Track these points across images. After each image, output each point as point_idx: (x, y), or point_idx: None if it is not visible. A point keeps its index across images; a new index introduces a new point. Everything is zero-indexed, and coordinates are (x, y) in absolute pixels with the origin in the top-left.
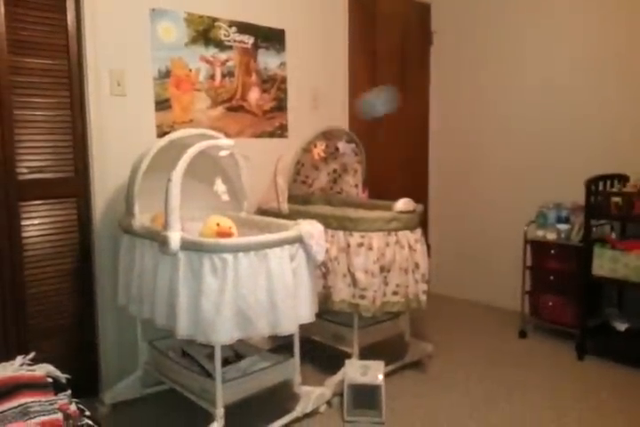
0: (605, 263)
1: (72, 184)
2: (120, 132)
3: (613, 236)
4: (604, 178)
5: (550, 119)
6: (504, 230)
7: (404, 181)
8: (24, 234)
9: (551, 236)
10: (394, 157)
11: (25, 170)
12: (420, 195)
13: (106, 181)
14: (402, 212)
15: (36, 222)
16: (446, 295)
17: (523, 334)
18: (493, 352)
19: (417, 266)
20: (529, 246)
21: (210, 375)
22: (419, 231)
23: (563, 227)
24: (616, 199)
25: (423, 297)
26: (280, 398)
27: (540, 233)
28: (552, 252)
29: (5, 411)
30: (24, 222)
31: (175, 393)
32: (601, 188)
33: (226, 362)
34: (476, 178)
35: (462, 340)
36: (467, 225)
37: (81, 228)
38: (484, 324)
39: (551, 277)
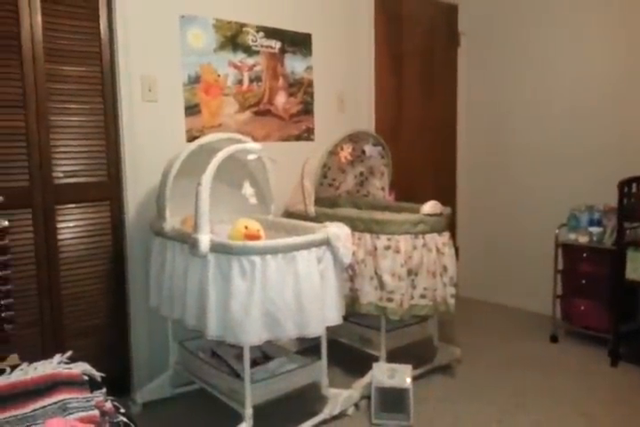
0: None
1: (105, 188)
2: (151, 136)
3: None
4: (637, 179)
5: (581, 120)
6: (534, 233)
7: (431, 183)
8: (59, 236)
9: (583, 239)
10: (421, 160)
11: (60, 174)
12: (448, 197)
13: (138, 184)
14: (429, 214)
15: (71, 225)
16: (476, 299)
17: (554, 339)
18: (523, 357)
19: (445, 269)
20: (560, 250)
21: (239, 376)
22: (447, 234)
23: (595, 230)
24: None
25: (451, 301)
26: (308, 400)
27: (571, 236)
28: (584, 255)
29: (46, 406)
30: (59, 225)
31: (205, 393)
32: (634, 189)
33: (254, 363)
34: (506, 180)
35: (492, 344)
36: (496, 228)
37: (114, 230)
38: (514, 328)
39: (583, 281)
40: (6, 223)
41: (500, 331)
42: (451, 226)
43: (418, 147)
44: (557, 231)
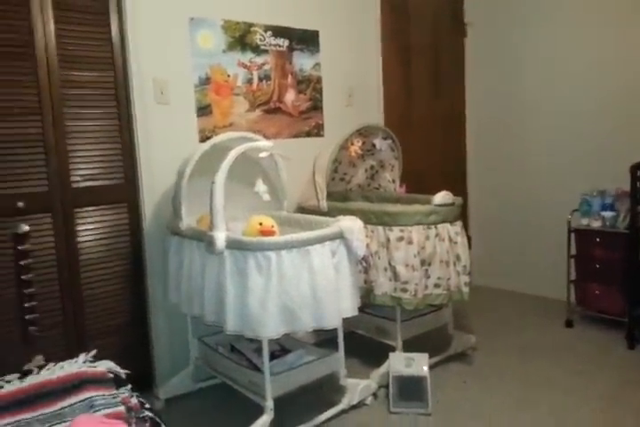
0: None
1: (122, 190)
2: (165, 138)
3: None
4: None
5: (592, 104)
6: (547, 219)
7: (442, 174)
8: (79, 239)
9: (596, 224)
10: (431, 152)
11: (78, 178)
12: (458, 188)
13: (153, 186)
14: (441, 205)
15: (90, 227)
16: (489, 287)
17: (569, 324)
18: (539, 343)
19: (458, 258)
20: (573, 235)
21: (258, 369)
22: (459, 224)
23: (608, 214)
24: None
25: (465, 289)
26: (327, 390)
27: (584, 221)
28: (597, 240)
29: (73, 404)
30: (79, 228)
31: (226, 387)
32: None
33: (273, 356)
34: (517, 168)
35: (507, 331)
36: (508, 216)
37: (132, 231)
38: (529, 314)
39: (597, 266)
40: (27, 228)
41: (515, 317)
42: (462, 215)
43: (427, 139)
44: (570, 217)
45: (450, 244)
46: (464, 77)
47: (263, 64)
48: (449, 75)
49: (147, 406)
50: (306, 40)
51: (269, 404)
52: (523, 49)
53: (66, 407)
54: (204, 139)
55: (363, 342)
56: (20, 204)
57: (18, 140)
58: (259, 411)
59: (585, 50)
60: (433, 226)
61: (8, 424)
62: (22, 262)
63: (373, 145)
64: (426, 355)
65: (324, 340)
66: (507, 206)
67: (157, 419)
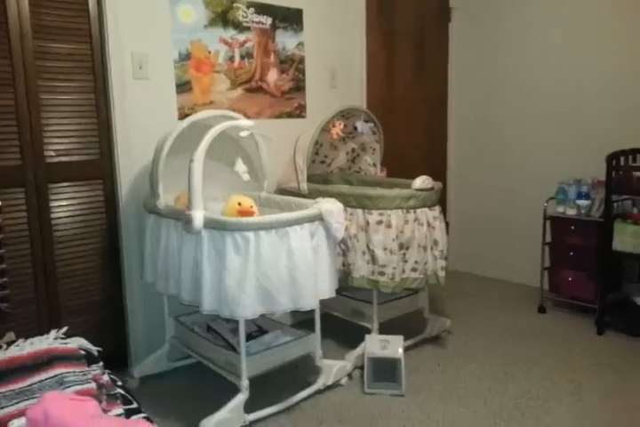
0: (626, 239)
1: (98, 166)
2: (143, 115)
3: (635, 211)
4: (625, 153)
5: (570, 94)
6: (523, 207)
7: (422, 159)
8: (53, 215)
9: (571, 211)
10: (412, 136)
11: (52, 153)
12: (438, 172)
13: (130, 162)
14: (420, 189)
15: (65, 204)
16: (465, 272)
17: (542, 310)
18: (512, 327)
19: (436, 243)
20: (548, 222)
21: (234, 349)
22: (437, 209)
23: (583, 203)
24: (638, 174)
25: (442, 273)
26: (302, 371)
27: (559, 209)
28: (572, 228)
29: (43, 380)
30: (53, 204)
31: (201, 366)
32: (622, 163)
33: (249, 337)
34: (495, 154)
35: (481, 315)
36: (486, 202)
37: (107, 208)
38: (504, 300)
39: (571, 253)
40: None
41: (489, 303)
42: (441, 201)
43: (409, 123)
44: (546, 204)
45: (428, 228)
46: (447, 62)
47: (245, 41)
48: (433, 59)
49: (119, 383)
50: (289, 18)
51: (245, 383)
52: (506, 35)
53: (35, 384)
54: (183, 116)
55: (339, 324)
56: None
57: None
58: (234, 390)
59: (569, 39)
60: (412, 210)
61: None
62: None
63: (355, 128)
64: (401, 337)
65: (301, 321)
66: (485, 192)
67: (129, 396)
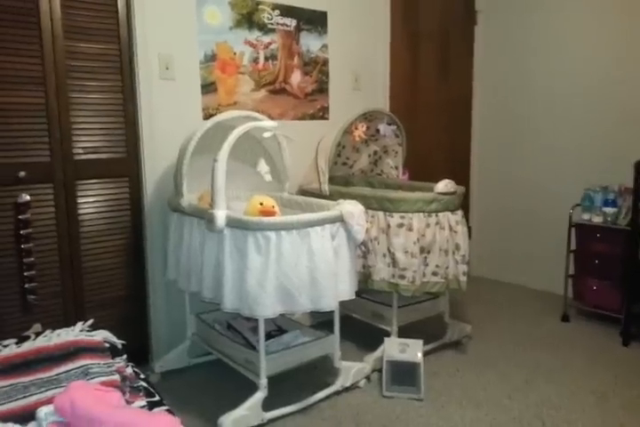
0: None
1: (124, 164)
2: (168, 114)
3: None
4: None
5: (598, 100)
6: (548, 213)
7: (445, 163)
8: (80, 211)
9: (597, 219)
10: (435, 139)
11: (81, 150)
12: (461, 177)
13: (155, 161)
14: (443, 193)
15: (91, 200)
16: (487, 278)
17: (565, 318)
18: (534, 335)
19: (457, 247)
20: (574, 230)
21: (253, 348)
22: (460, 213)
23: (609, 210)
24: None
25: (463, 278)
26: (321, 372)
27: (585, 216)
28: (598, 235)
29: (69, 371)
30: (80, 200)
31: (221, 364)
32: None
33: (269, 336)
34: (521, 159)
35: (503, 322)
36: (510, 207)
37: (132, 206)
38: (526, 307)
39: (596, 261)
40: (28, 198)
41: (511, 309)
42: (464, 205)
43: (432, 126)
44: (571, 211)
45: (450, 232)
46: (472, 65)
47: (270, 43)
48: (457, 62)
49: (142, 376)
50: (314, 21)
51: (263, 382)
52: (533, 39)
53: (62, 373)
54: (207, 116)
55: (358, 326)
56: (22, 173)
57: (21, 109)
58: (252, 388)
59: (595, 42)
60: (434, 214)
61: (5, 387)
62: (22, 232)
63: (377, 130)
64: (420, 341)
65: (320, 322)
66: (509, 197)
67: (152, 389)
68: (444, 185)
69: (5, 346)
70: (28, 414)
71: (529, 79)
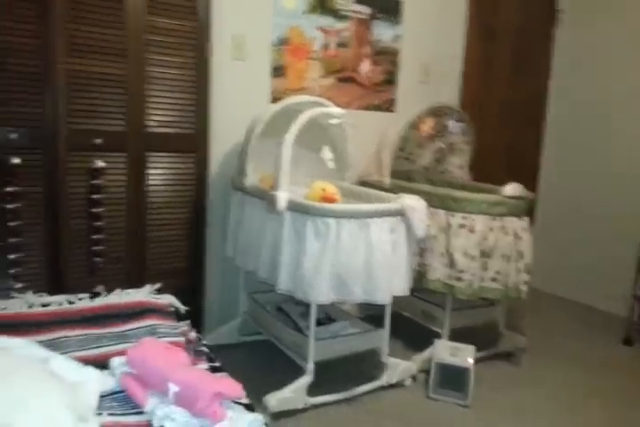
0: None
1: (192, 140)
2: (237, 95)
3: None
4: None
5: None
6: (618, 230)
7: (509, 167)
8: (148, 182)
9: None
10: (502, 141)
11: (153, 123)
12: (526, 183)
13: (222, 140)
14: (510, 197)
15: (160, 172)
16: (545, 291)
17: (628, 342)
18: (593, 356)
19: (521, 255)
20: None
21: (302, 333)
22: (526, 219)
23: None
24: None
25: (524, 288)
26: (367, 366)
27: None
28: None
29: (137, 328)
30: (149, 171)
31: (269, 344)
32: None
33: (318, 323)
34: (596, 171)
35: (559, 339)
36: (577, 221)
37: (197, 181)
38: (585, 326)
39: None
40: (103, 164)
41: (570, 327)
42: (530, 213)
43: (501, 127)
44: None
45: (514, 239)
46: (550, 68)
47: (342, 30)
48: (534, 63)
49: (203, 341)
50: (388, 10)
51: (310, 366)
52: (620, 44)
53: (130, 330)
54: (275, 100)
55: (407, 325)
56: (98, 140)
57: (103, 78)
58: (299, 372)
59: None
60: (499, 217)
61: (79, 336)
62: (94, 196)
63: (445, 126)
64: (472, 347)
65: (369, 315)
66: (578, 210)
67: (212, 355)
68: (513, 188)
69: (80, 299)
70: (100, 364)
71: (613, 87)
